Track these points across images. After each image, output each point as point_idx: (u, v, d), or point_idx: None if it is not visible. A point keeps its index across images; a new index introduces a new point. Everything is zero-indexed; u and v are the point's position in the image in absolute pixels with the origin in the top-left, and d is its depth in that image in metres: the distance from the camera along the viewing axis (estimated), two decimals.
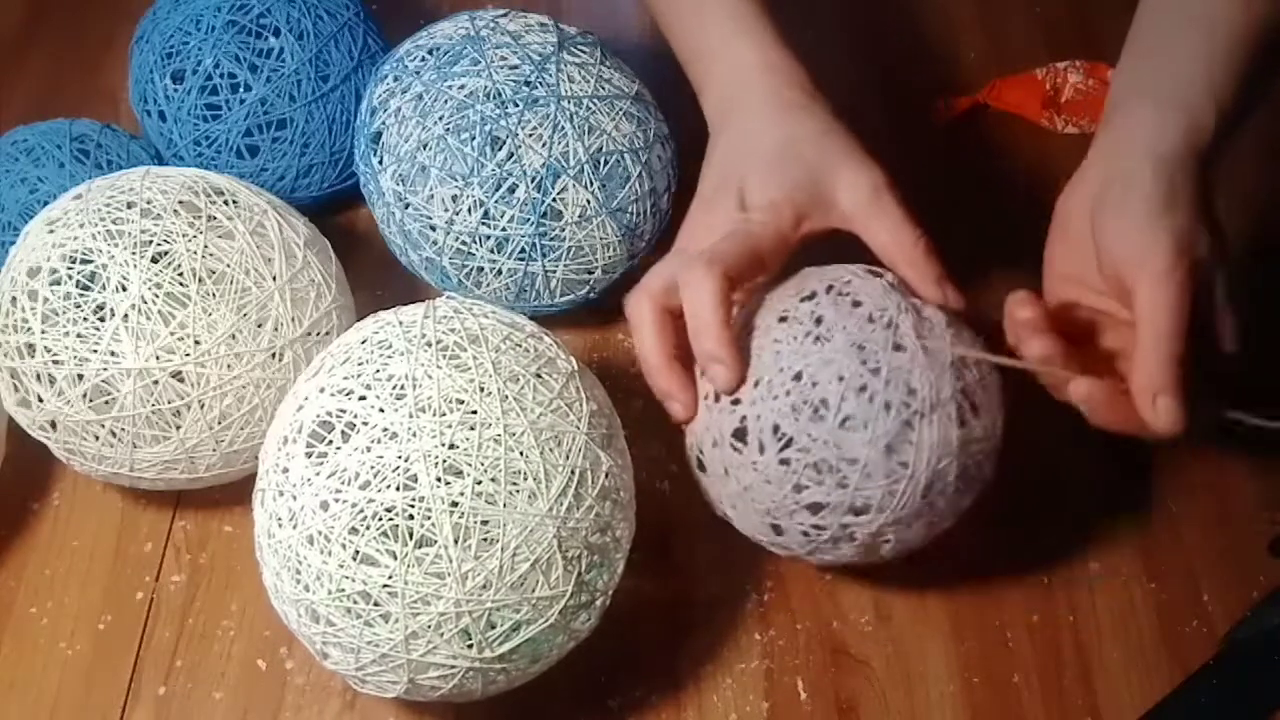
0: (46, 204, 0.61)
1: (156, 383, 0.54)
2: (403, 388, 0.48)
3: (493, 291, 0.64)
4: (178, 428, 0.56)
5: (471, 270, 0.63)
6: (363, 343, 0.51)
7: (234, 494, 0.61)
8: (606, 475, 0.50)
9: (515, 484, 0.47)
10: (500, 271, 0.63)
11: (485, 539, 0.47)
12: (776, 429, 0.50)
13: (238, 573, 0.61)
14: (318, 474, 0.48)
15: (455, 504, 0.46)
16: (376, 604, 0.47)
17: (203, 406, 0.55)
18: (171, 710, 0.57)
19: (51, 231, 0.56)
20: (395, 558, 0.46)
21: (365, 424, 0.48)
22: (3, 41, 0.86)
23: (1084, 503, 0.63)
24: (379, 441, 0.47)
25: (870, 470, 0.49)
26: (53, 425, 0.56)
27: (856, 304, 0.51)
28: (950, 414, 0.50)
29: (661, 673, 0.58)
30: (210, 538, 0.62)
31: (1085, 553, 0.61)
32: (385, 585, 0.46)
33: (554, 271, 0.63)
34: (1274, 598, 0.58)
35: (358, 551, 0.47)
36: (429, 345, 0.50)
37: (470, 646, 0.48)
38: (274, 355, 0.56)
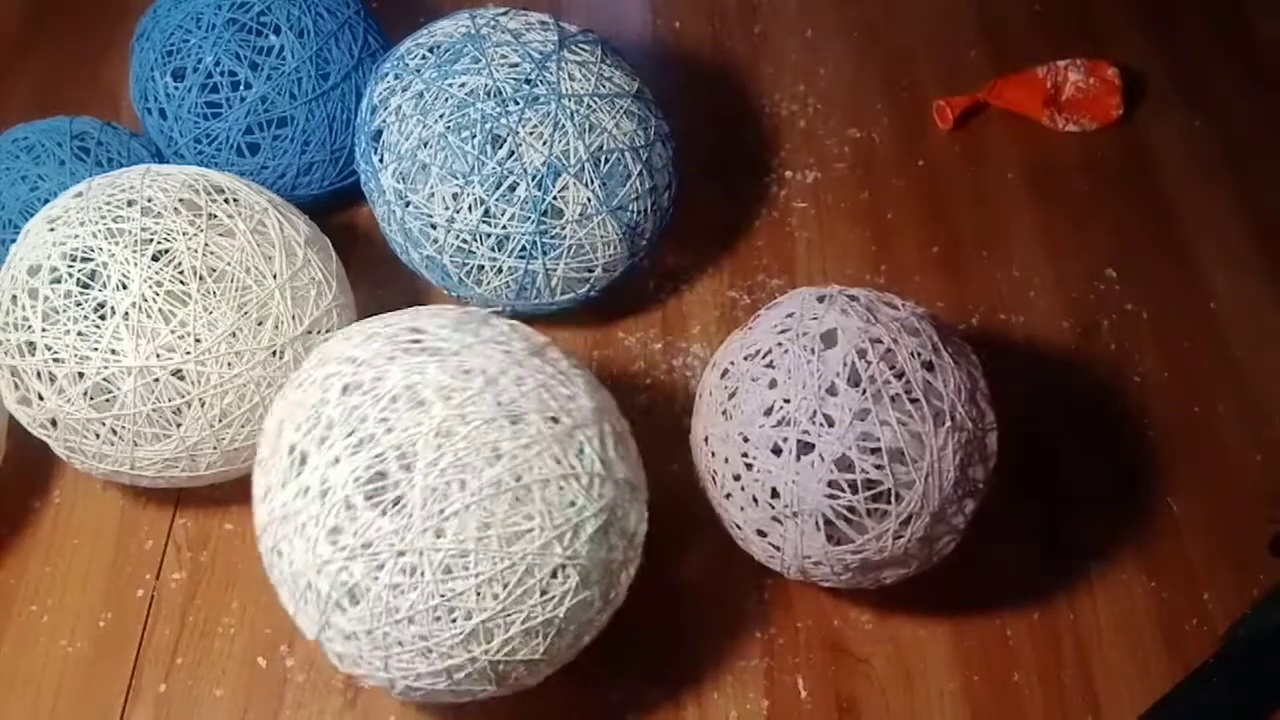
0: (47, 202, 0.61)
1: (157, 381, 0.54)
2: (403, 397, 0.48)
3: (493, 289, 0.64)
4: (178, 426, 0.56)
5: (472, 268, 0.63)
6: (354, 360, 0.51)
7: (235, 492, 0.61)
8: (609, 478, 0.50)
9: (520, 493, 0.47)
10: (501, 269, 0.63)
11: (490, 544, 0.47)
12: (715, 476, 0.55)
13: (238, 570, 0.61)
14: (318, 473, 0.48)
15: (458, 510, 0.46)
16: (379, 601, 0.47)
17: (203, 404, 0.55)
18: (172, 707, 0.57)
19: (52, 229, 0.56)
20: (398, 557, 0.46)
21: (371, 435, 0.48)
22: (3, 40, 0.86)
23: (1084, 503, 0.63)
24: (379, 441, 0.47)
25: (748, 540, 0.55)
26: (53, 423, 0.56)
27: (772, 384, 0.52)
28: (817, 523, 0.51)
29: (661, 671, 0.58)
30: (211, 535, 0.62)
31: (1085, 553, 0.61)
32: (389, 585, 0.46)
33: (554, 269, 0.63)
34: (1274, 597, 0.58)
35: (358, 551, 0.47)
36: (429, 356, 0.50)
37: (471, 646, 0.48)
38: (275, 353, 0.56)
